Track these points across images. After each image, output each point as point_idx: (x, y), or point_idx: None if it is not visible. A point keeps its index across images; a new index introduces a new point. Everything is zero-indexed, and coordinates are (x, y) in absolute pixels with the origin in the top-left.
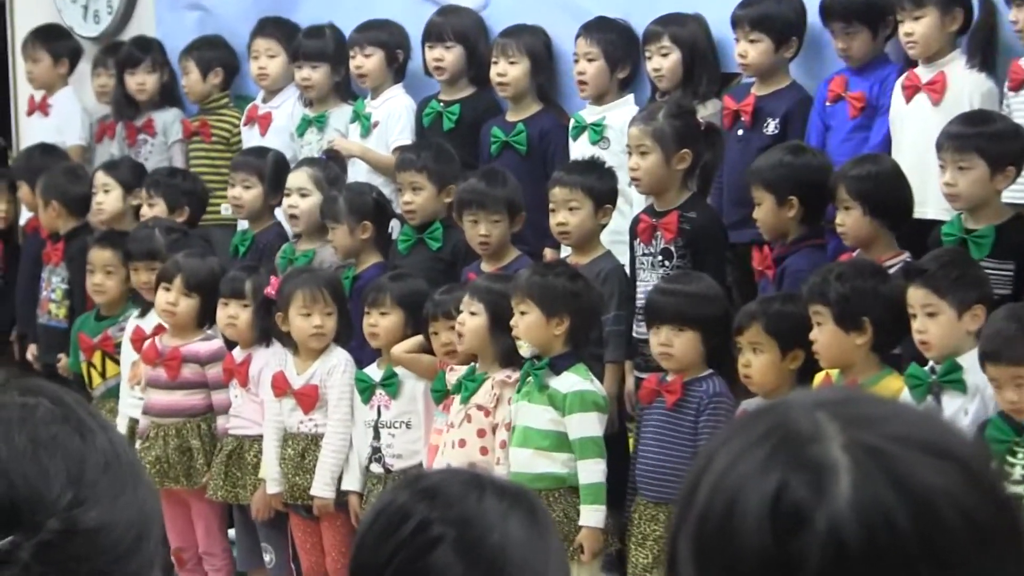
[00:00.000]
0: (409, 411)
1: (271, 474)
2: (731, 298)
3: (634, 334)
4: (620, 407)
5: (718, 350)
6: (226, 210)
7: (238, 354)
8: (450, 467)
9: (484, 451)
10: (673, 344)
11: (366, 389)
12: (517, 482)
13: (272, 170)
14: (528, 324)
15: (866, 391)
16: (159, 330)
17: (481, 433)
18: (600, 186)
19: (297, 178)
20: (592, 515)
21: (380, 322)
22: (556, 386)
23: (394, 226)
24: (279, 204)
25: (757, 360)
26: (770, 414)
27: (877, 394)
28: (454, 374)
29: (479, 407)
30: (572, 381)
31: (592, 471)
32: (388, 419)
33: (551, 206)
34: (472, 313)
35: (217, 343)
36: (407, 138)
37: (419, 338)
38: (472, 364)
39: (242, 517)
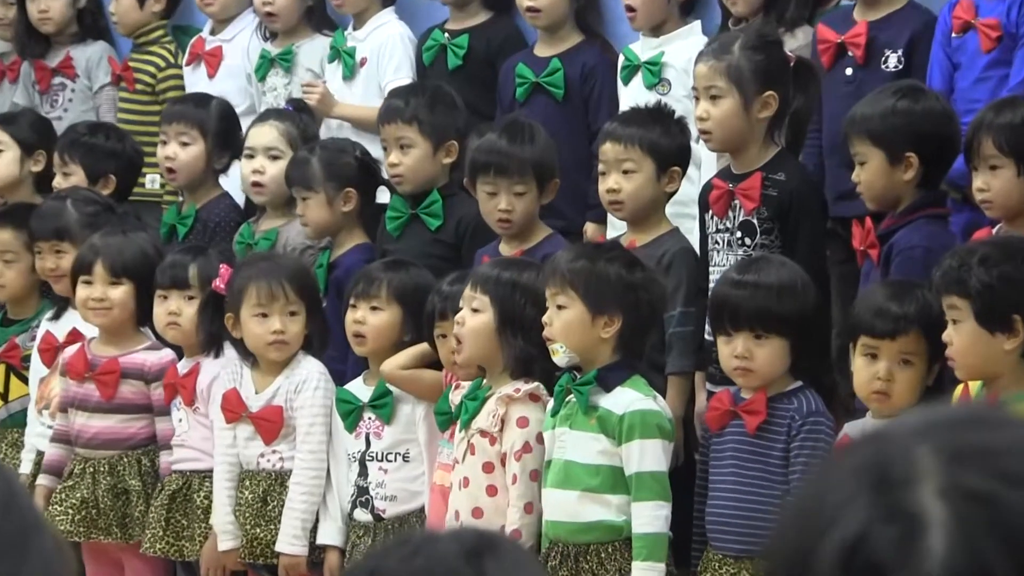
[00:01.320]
0: (407, 439)
1: (223, 526)
2: (825, 289)
3: (707, 336)
4: (688, 432)
5: (810, 355)
6: (152, 182)
7: (183, 364)
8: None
9: (492, 491)
10: (754, 356)
11: (351, 412)
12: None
13: (218, 123)
14: (567, 322)
15: (990, 408)
16: (74, 337)
17: (488, 468)
18: (666, 142)
19: (264, 134)
20: None
21: (369, 319)
22: (608, 406)
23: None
24: (225, 169)
25: (904, 375)
26: (869, 444)
27: (1004, 411)
28: (461, 392)
29: (482, 433)
30: (629, 399)
31: (651, 517)
32: (379, 450)
33: (600, 167)
34: (475, 309)
35: (169, 354)
36: (406, 77)
37: (417, 349)
38: (480, 378)
39: None
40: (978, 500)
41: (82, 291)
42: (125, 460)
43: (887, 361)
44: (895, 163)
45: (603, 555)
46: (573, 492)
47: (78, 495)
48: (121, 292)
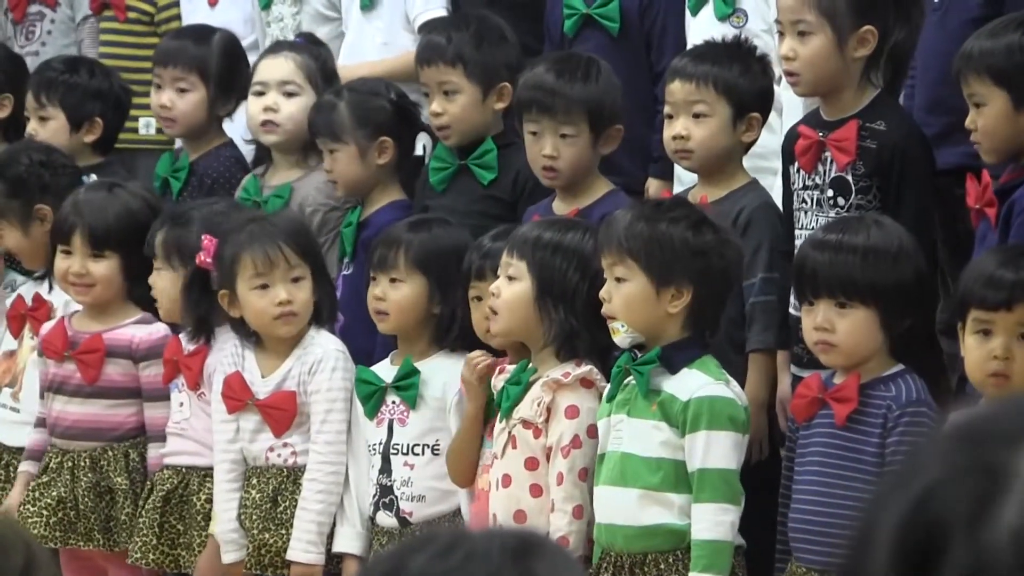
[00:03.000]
0: (436, 429)
1: (226, 535)
2: (932, 252)
3: (791, 309)
4: (771, 421)
5: (911, 334)
6: (147, 127)
7: (188, 339)
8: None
9: (536, 491)
10: (835, 327)
11: (372, 395)
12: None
13: (220, 61)
14: (628, 297)
15: None
16: (39, 305)
17: (531, 464)
18: (745, 83)
19: (277, 67)
20: None
21: (389, 294)
22: (671, 390)
23: (425, 145)
24: (231, 114)
25: None
26: (991, 405)
27: None
28: (504, 377)
29: (525, 423)
30: (697, 382)
31: (713, 522)
32: (404, 441)
33: (666, 110)
34: (510, 277)
35: (161, 328)
36: (439, 7)
37: (481, 362)
38: (525, 360)
39: None
40: None
41: (61, 262)
42: (109, 454)
43: (1004, 336)
44: (1021, 107)
45: (663, 566)
46: (631, 491)
47: (54, 493)
48: (104, 267)
